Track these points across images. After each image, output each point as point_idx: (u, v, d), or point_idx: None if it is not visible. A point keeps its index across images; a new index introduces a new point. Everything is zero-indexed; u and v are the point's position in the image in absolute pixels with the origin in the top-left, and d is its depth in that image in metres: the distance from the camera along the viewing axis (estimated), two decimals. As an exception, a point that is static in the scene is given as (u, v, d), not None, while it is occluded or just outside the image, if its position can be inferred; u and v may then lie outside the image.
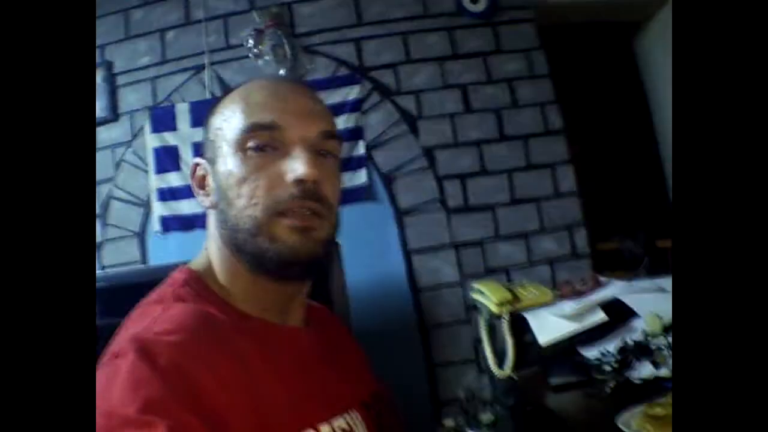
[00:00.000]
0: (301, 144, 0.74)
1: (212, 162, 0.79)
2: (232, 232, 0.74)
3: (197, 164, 0.83)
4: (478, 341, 2.31)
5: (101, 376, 0.61)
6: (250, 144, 0.74)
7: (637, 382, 1.01)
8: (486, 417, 1.79)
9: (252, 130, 0.74)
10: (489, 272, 2.46)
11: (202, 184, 0.81)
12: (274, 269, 0.73)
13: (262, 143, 0.74)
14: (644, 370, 1.02)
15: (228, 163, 0.75)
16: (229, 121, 0.76)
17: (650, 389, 0.96)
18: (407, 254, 2.47)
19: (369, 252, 2.42)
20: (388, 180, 2.50)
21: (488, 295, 1.29)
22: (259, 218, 0.72)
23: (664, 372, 1.00)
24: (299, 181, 0.72)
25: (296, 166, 0.72)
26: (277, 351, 0.74)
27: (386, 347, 1.73)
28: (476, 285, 1.39)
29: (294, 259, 0.72)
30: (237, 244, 0.74)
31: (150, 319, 0.67)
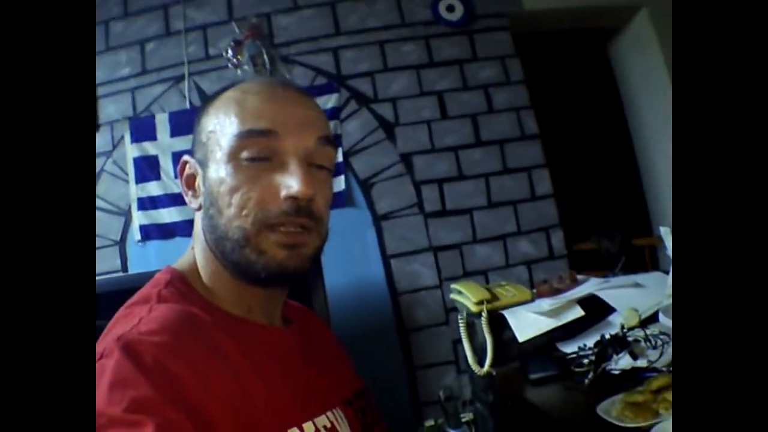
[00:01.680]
0: (297, 156, 0.72)
1: (203, 165, 0.76)
2: (220, 240, 0.73)
3: (186, 162, 0.81)
4: (457, 343, 2.33)
5: None
6: (245, 154, 0.72)
7: (616, 373, 1.03)
8: (466, 416, 1.81)
9: (247, 136, 0.72)
10: (467, 275, 2.48)
11: (191, 183, 0.80)
12: (259, 280, 0.73)
13: (257, 154, 0.72)
14: (622, 361, 1.04)
15: (220, 170, 0.73)
16: (223, 126, 0.74)
17: (628, 380, 0.97)
18: (386, 259, 2.49)
19: (348, 257, 2.44)
20: (367, 186, 2.53)
21: (467, 295, 1.31)
22: (248, 230, 0.71)
23: (642, 362, 1.02)
24: (293, 198, 0.70)
25: (291, 183, 0.71)
26: (261, 351, 0.73)
27: (366, 351, 1.74)
28: (455, 286, 1.41)
29: (280, 273, 0.72)
30: (224, 252, 0.73)
31: (135, 320, 0.66)
